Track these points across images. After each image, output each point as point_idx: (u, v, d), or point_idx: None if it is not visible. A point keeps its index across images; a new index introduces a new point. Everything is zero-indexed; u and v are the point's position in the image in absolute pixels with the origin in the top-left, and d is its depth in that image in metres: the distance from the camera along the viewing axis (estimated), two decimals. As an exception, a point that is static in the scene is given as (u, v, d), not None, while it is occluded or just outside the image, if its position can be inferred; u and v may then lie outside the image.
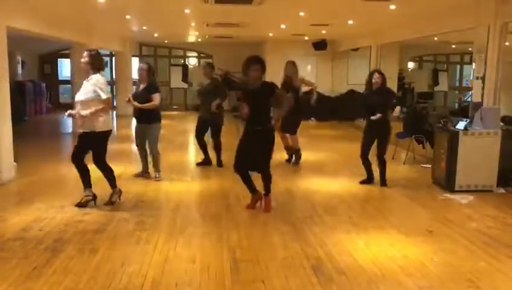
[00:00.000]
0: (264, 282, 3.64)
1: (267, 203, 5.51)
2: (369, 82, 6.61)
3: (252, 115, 5.27)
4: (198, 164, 7.91)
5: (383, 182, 6.72)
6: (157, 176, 6.88)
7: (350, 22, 10.88)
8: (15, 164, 6.98)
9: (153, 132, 6.73)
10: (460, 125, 6.44)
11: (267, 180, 5.47)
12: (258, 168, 5.43)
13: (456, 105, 17.80)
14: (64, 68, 18.59)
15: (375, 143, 6.64)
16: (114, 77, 17.34)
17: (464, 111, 10.34)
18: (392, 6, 8.27)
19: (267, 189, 5.50)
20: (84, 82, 5.33)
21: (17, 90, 13.44)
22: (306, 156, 8.42)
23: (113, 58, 17.53)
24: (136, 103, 6.57)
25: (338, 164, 8.32)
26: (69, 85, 12.80)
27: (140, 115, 6.71)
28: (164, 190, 6.41)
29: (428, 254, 4.24)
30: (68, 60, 13.51)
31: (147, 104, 6.52)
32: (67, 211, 5.38)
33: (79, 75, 11.59)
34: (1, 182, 6.52)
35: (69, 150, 10.58)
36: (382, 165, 6.70)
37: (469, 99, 12.57)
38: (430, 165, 7.35)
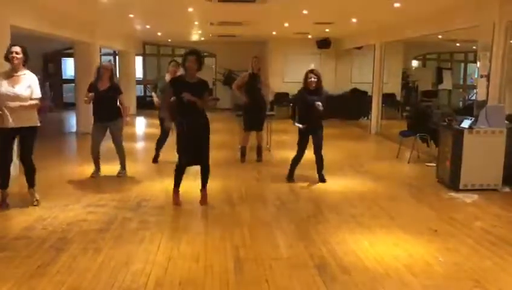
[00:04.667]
0: (268, 281, 3.62)
1: (204, 196, 5.67)
2: (304, 82, 6.62)
3: (189, 108, 5.31)
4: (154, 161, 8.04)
5: (322, 178, 6.81)
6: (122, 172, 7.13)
7: (354, 20, 10.85)
8: (17, 162, 6.96)
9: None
10: (465, 123, 6.40)
11: (207, 172, 5.63)
12: (201, 161, 5.55)
13: (460, 103, 17.74)
14: (68, 67, 18.61)
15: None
16: (118, 75, 17.33)
17: (468, 109, 10.29)
18: (397, 4, 8.24)
19: (205, 182, 5.66)
20: (22, 76, 5.29)
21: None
22: (309, 155, 8.39)
23: (117, 57, 17.55)
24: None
25: (341, 163, 8.29)
26: (73, 84, 12.81)
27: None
28: (167, 189, 6.39)
29: (433, 253, 4.22)
30: (72, 59, 13.51)
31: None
32: (71, 210, 5.38)
33: (83, 74, 11.69)
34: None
35: (73, 149, 10.65)
36: (321, 161, 6.78)
37: (473, 97, 12.55)
38: (434, 164, 7.31)
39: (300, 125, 6.57)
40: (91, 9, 9.46)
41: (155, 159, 8.06)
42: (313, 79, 6.52)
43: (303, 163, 7.95)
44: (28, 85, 5.29)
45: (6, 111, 5.14)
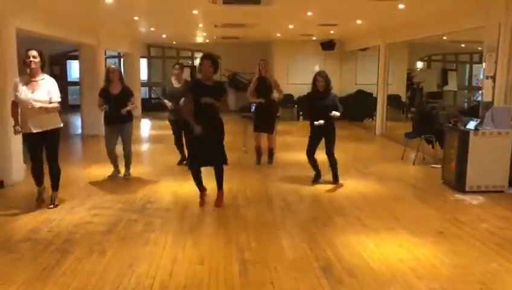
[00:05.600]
0: (273, 284, 3.61)
1: (220, 197, 5.69)
2: (313, 83, 6.62)
3: (204, 110, 5.36)
4: (179, 164, 7.97)
5: (336, 179, 6.81)
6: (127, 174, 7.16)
7: (358, 21, 10.84)
8: (25, 165, 7.01)
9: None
10: (471, 125, 6.37)
11: (221, 173, 5.66)
12: (215, 162, 5.59)
13: (466, 105, 17.67)
14: (73, 70, 18.68)
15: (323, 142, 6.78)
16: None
17: (473, 111, 10.24)
18: (401, 6, 8.21)
19: (220, 183, 5.69)
20: (41, 82, 5.29)
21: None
22: (318, 157, 8.40)
23: (122, 59, 17.60)
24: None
25: (346, 165, 8.25)
26: (78, 86, 12.86)
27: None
28: (173, 191, 6.41)
29: (439, 255, 4.20)
30: (77, 61, 13.58)
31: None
32: (76, 212, 5.40)
33: (88, 76, 11.74)
34: (11, 183, 6.56)
35: (78, 151, 10.68)
36: (333, 163, 6.77)
37: (479, 98, 12.49)
38: (440, 166, 7.28)
39: (321, 122, 6.49)
40: (96, 11, 9.50)
41: (181, 161, 7.99)
42: (321, 83, 6.53)
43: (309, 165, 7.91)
44: (47, 90, 5.27)
45: (25, 118, 5.19)
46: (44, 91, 5.25)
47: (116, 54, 17.83)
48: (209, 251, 4.30)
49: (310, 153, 6.80)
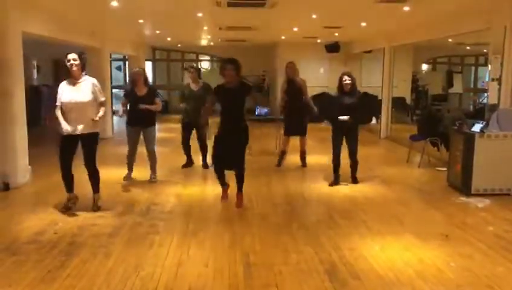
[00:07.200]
0: (278, 287, 3.61)
1: (240, 199, 5.79)
2: (339, 85, 6.65)
3: (228, 114, 5.54)
4: (184, 166, 7.99)
5: (354, 180, 6.90)
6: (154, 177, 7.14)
7: (363, 24, 10.81)
8: (30, 167, 7.04)
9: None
10: (476, 127, 6.34)
11: (241, 178, 5.75)
12: (234, 166, 5.71)
13: (471, 107, 17.60)
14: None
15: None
16: (128, 80, 17.46)
17: (479, 113, 10.19)
18: (406, 8, 8.19)
19: (240, 186, 5.77)
20: (83, 83, 5.36)
21: (34, 94, 13.57)
22: (319, 159, 8.38)
23: (127, 62, 17.65)
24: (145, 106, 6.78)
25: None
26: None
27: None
28: (177, 193, 6.41)
29: (444, 258, 4.17)
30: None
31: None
32: (81, 214, 5.41)
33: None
34: (16, 185, 6.57)
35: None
36: (355, 164, 6.85)
37: (484, 101, 12.43)
38: (445, 169, 7.25)
39: (346, 118, 6.55)
40: (101, 14, 9.53)
41: (187, 164, 8.04)
42: (347, 81, 6.54)
43: (314, 167, 7.92)
44: (89, 90, 5.34)
45: (64, 119, 5.29)
46: (87, 92, 5.34)
47: (121, 56, 17.88)
48: (214, 253, 4.29)
49: (337, 159, 6.80)
